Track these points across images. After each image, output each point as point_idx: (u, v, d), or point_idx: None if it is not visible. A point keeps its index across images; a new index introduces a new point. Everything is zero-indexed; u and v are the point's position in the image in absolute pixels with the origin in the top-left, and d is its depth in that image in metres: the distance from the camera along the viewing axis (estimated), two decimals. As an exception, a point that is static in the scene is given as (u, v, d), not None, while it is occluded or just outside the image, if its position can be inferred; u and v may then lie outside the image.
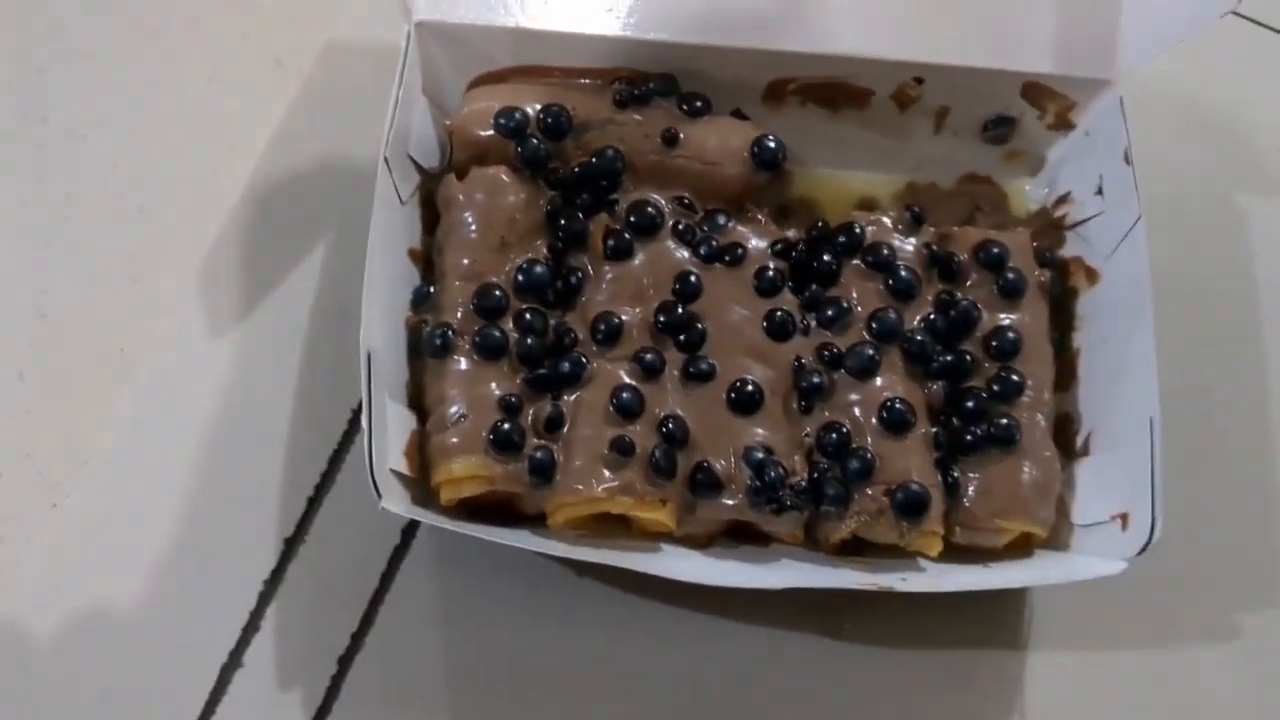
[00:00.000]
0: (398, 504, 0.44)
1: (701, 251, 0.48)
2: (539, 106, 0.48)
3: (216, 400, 0.50)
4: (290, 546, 0.48)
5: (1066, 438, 0.49)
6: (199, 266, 0.52)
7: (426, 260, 0.49)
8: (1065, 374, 0.50)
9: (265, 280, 0.52)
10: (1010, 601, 0.50)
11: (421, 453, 0.46)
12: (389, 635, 0.48)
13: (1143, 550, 0.44)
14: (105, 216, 0.53)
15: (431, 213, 0.49)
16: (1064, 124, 0.51)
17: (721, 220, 0.49)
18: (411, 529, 0.49)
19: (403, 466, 0.45)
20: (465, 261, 0.47)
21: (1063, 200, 0.52)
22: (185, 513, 0.48)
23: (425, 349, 0.46)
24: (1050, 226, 0.52)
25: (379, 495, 0.43)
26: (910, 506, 0.45)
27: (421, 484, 0.46)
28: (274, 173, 0.54)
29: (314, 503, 0.49)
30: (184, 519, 0.48)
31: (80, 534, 0.48)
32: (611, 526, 0.46)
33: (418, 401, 0.47)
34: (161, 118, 0.55)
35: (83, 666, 0.46)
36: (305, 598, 0.48)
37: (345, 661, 0.47)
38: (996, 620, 0.50)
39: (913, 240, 0.50)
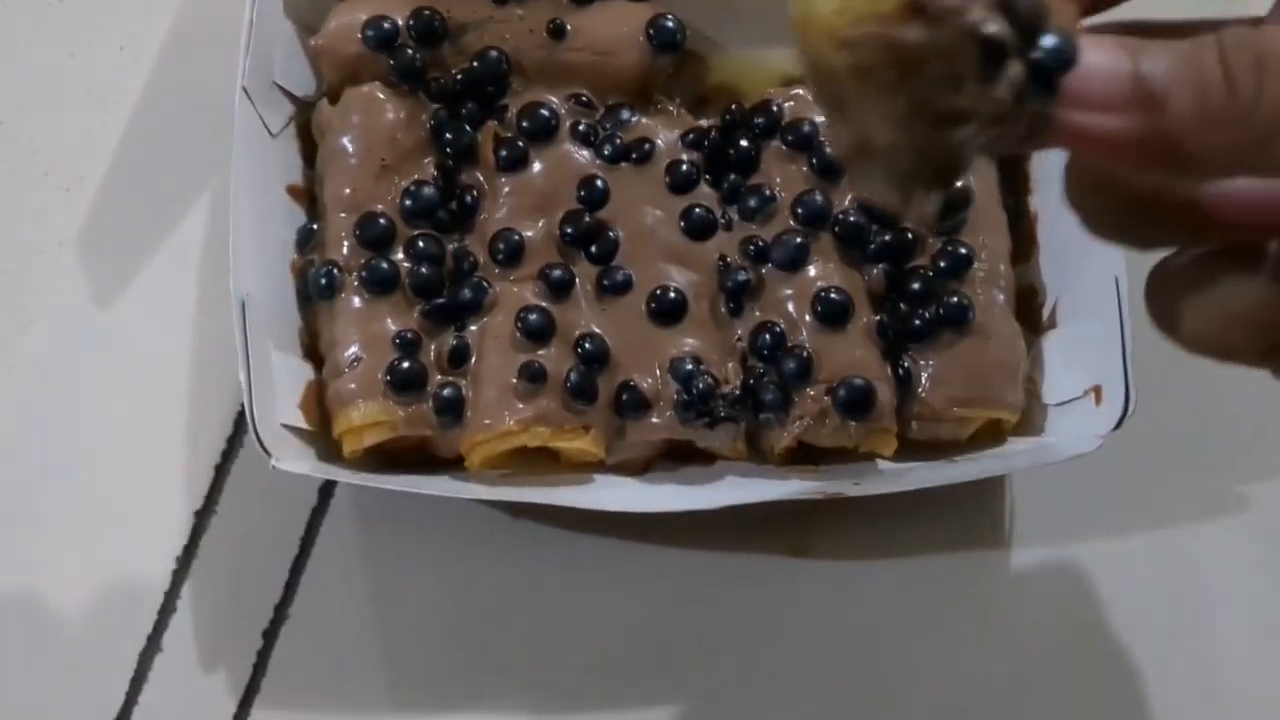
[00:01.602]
0: (295, 461, 0.40)
1: (605, 152, 0.44)
2: (408, 12, 0.44)
3: (106, 373, 0.46)
4: (200, 519, 0.45)
5: (1031, 311, 0.45)
6: (75, 234, 0.48)
7: (310, 197, 0.45)
8: (1025, 242, 0.45)
9: (149, 239, 0.48)
10: (987, 497, 0.46)
11: (321, 404, 0.43)
12: (314, 603, 0.44)
13: (1119, 424, 0.40)
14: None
15: (311, 145, 0.45)
16: (997, -33, 0.46)
17: (625, 115, 0.45)
18: (329, 488, 0.45)
19: (300, 421, 0.42)
20: (346, 191, 0.43)
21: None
22: (84, 495, 0.45)
23: (311, 290, 0.43)
24: None
25: (268, 454, 0.39)
26: (854, 403, 0.41)
27: (325, 438, 0.42)
28: (151, 121, 0.50)
29: (221, 470, 0.45)
30: (83, 501, 0.45)
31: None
32: (539, 462, 0.43)
33: (314, 351, 0.44)
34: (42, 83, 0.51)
35: (-8, 668, 0.44)
36: (222, 572, 0.45)
37: (270, 635, 0.44)
38: (975, 519, 0.46)
39: None
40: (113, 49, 0.52)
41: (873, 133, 0.27)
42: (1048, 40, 0.25)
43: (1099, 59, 0.25)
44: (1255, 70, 0.24)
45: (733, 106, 0.46)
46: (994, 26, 0.25)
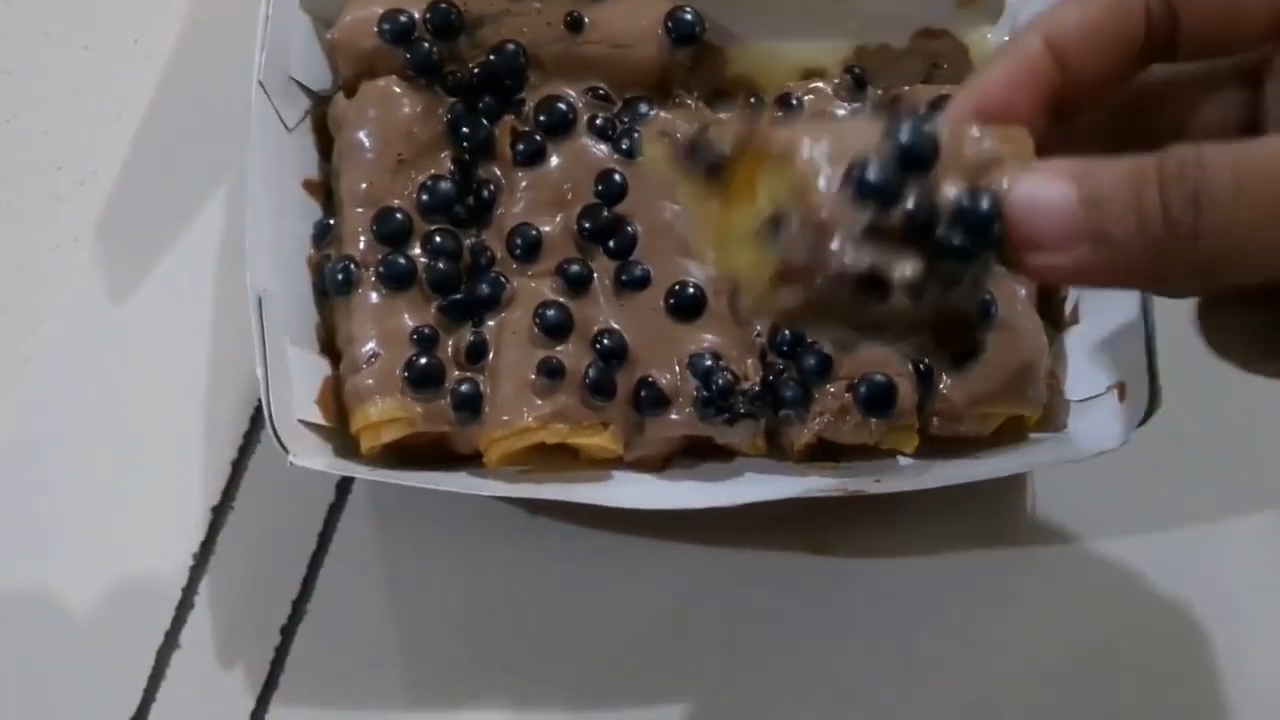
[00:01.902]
0: (312, 458, 0.40)
1: (624, 146, 0.44)
2: (424, 5, 0.43)
3: (122, 369, 0.46)
4: (218, 516, 0.45)
5: (1053, 306, 0.44)
6: (91, 228, 0.48)
7: (326, 191, 0.45)
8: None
9: (167, 235, 0.48)
10: (1009, 494, 0.45)
11: (339, 401, 0.42)
12: (332, 599, 0.44)
13: (1144, 420, 0.40)
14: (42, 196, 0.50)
15: (327, 139, 0.45)
16: (1022, -41, 0.46)
17: (644, 109, 0.44)
18: (347, 483, 0.45)
19: (317, 416, 0.42)
20: (362, 186, 0.43)
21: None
22: (101, 491, 0.45)
23: (328, 285, 0.42)
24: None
25: (285, 450, 0.39)
26: (875, 400, 0.40)
27: (342, 434, 0.42)
28: (167, 115, 0.50)
29: (238, 467, 0.45)
30: (100, 498, 0.45)
31: (-6, 525, 0.45)
32: (557, 458, 0.43)
33: (331, 346, 0.43)
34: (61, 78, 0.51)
35: (9, 663, 0.44)
36: (239, 568, 0.44)
37: (288, 631, 0.44)
38: (996, 516, 0.45)
39: (857, 105, 0.45)
40: (126, 43, 0.52)
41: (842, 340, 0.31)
42: (964, 217, 0.27)
43: (1049, 201, 0.27)
44: (1193, 206, 0.25)
45: (751, 99, 0.45)
46: (852, 260, 0.28)
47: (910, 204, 0.28)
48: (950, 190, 0.28)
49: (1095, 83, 0.31)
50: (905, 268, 0.28)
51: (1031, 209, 0.27)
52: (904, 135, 0.28)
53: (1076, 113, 0.31)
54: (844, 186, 0.28)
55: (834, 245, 0.28)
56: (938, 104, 0.43)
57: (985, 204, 0.28)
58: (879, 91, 0.45)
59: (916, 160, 0.28)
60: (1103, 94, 0.31)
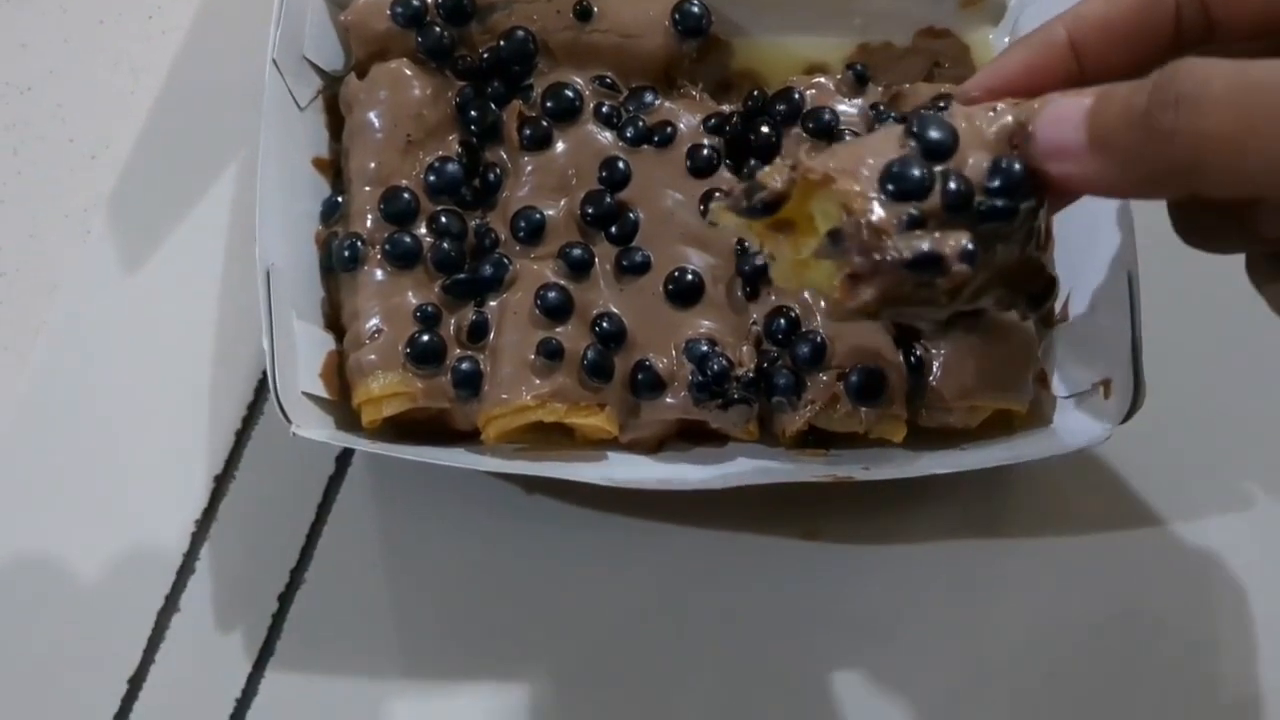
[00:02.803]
0: (314, 429, 0.41)
1: (628, 134, 0.45)
2: (438, -10, 0.44)
3: (130, 338, 0.47)
4: (220, 484, 0.46)
5: (1043, 304, 0.45)
6: (104, 200, 0.49)
7: (336, 170, 0.46)
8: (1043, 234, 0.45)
9: (177, 208, 0.49)
10: (995, 485, 0.46)
11: (341, 376, 0.43)
12: (330, 568, 0.45)
13: (1127, 417, 0.41)
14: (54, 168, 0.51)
15: (337, 119, 0.46)
16: (1024, -39, 0.47)
17: (649, 98, 0.45)
18: (347, 456, 0.46)
19: (320, 390, 0.43)
20: (371, 165, 0.44)
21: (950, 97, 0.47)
22: (107, 456, 0.46)
23: (335, 262, 0.43)
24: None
25: (289, 421, 0.40)
26: (866, 389, 0.41)
27: (344, 407, 0.43)
28: (180, 91, 0.50)
29: (241, 437, 0.46)
30: (107, 462, 0.46)
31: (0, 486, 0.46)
32: (554, 437, 0.44)
33: (336, 321, 0.44)
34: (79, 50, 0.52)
35: (14, 622, 0.45)
36: (240, 536, 0.45)
37: (285, 599, 0.45)
38: (983, 507, 0.46)
39: (858, 102, 0.45)
40: (141, 18, 0.53)
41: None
42: (994, 182, 0.33)
43: (1064, 115, 0.31)
44: (1173, 107, 0.28)
45: (754, 92, 0.46)
46: (904, 249, 0.33)
47: (942, 188, 0.33)
48: (979, 164, 0.33)
49: (1112, 76, 0.32)
50: (954, 241, 0.33)
51: (1053, 122, 0.31)
52: (923, 134, 0.34)
53: None
54: (881, 192, 0.33)
55: (887, 242, 0.33)
56: (941, 99, 0.44)
57: (1015, 165, 0.33)
58: (880, 88, 0.46)
59: (939, 152, 0.33)
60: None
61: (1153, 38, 0.33)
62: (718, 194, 0.40)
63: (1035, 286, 0.38)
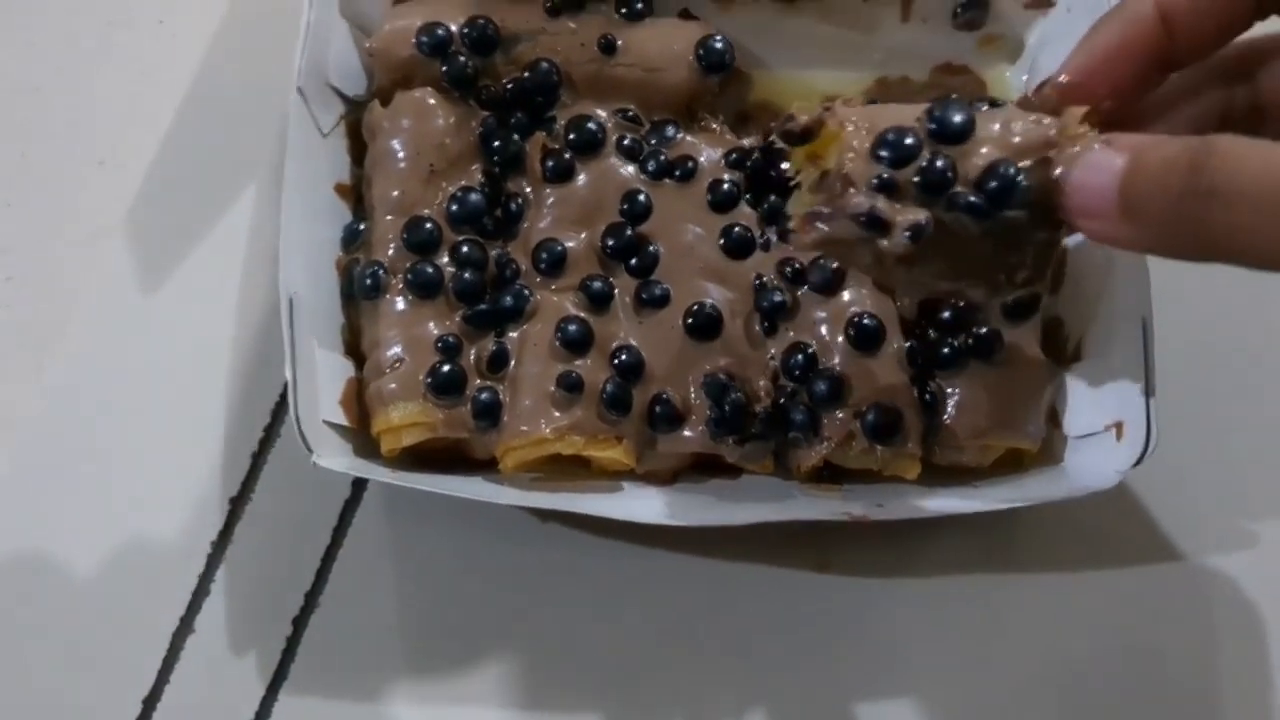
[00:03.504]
0: (334, 458, 0.41)
1: (649, 167, 0.45)
2: (463, 20, 0.44)
3: (151, 358, 0.47)
4: (236, 506, 0.46)
5: (1057, 344, 0.45)
6: (124, 217, 0.49)
7: (357, 196, 0.46)
8: (1054, 275, 0.46)
9: (197, 229, 0.49)
10: (1002, 521, 0.47)
11: (360, 403, 0.44)
12: (344, 593, 0.45)
13: (1139, 461, 0.41)
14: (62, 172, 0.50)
15: (359, 144, 0.46)
16: (1042, 1, 0.47)
17: (670, 132, 0.46)
18: (363, 481, 0.46)
19: (340, 417, 0.43)
20: (394, 194, 0.44)
21: (1045, 85, 0.47)
22: (124, 477, 0.46)
23: (356, 290, 0.44)
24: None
25: (310, 450, 0.40)
26: (882, 428, 0.42)
27: (363, 435, 0.43)
28: (202, 114, 0.51)
29: (258, 459, 0.46)
30: (124, 483, 0.46)
31: (16, 505, 0.46)
32: (569, 468, 0.44)
33: (355, 347, 0.44)
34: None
35: (29, 641, 0.45)
36: (255, 558, 0.46)
37: (300, 622, 0.45)
38: (992, 543, 0.47)
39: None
40: (151, 22, 0.52)
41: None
42: (988, 182, 0.35)
43: (1095, 180, 0.32)
44: (1203, 199, 0.29)
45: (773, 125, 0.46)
46: (857, 205, 0.36)
47: (922, 166, 0.35)
48: (983, 161, 0.35)
49: (1201, 43, 0.34)
50: (910, 215, 0.35)
51: (1084, 181, 0.33)
52: (940, 114, 0.36)
53: (1175, 69, 0.35)
54: (871, 150, 0.36)
55: (850, 192, 0.36)
56: (993, 101, 0.44)
57: (1012, 174, 0.35)
58: None
59: (949, 134, 0.35)
60: (1207, 54, 0.35)
61: (1239, 3, 0.34)
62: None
63: (1017, 297, 0.41)
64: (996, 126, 0.36)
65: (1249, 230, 0.29)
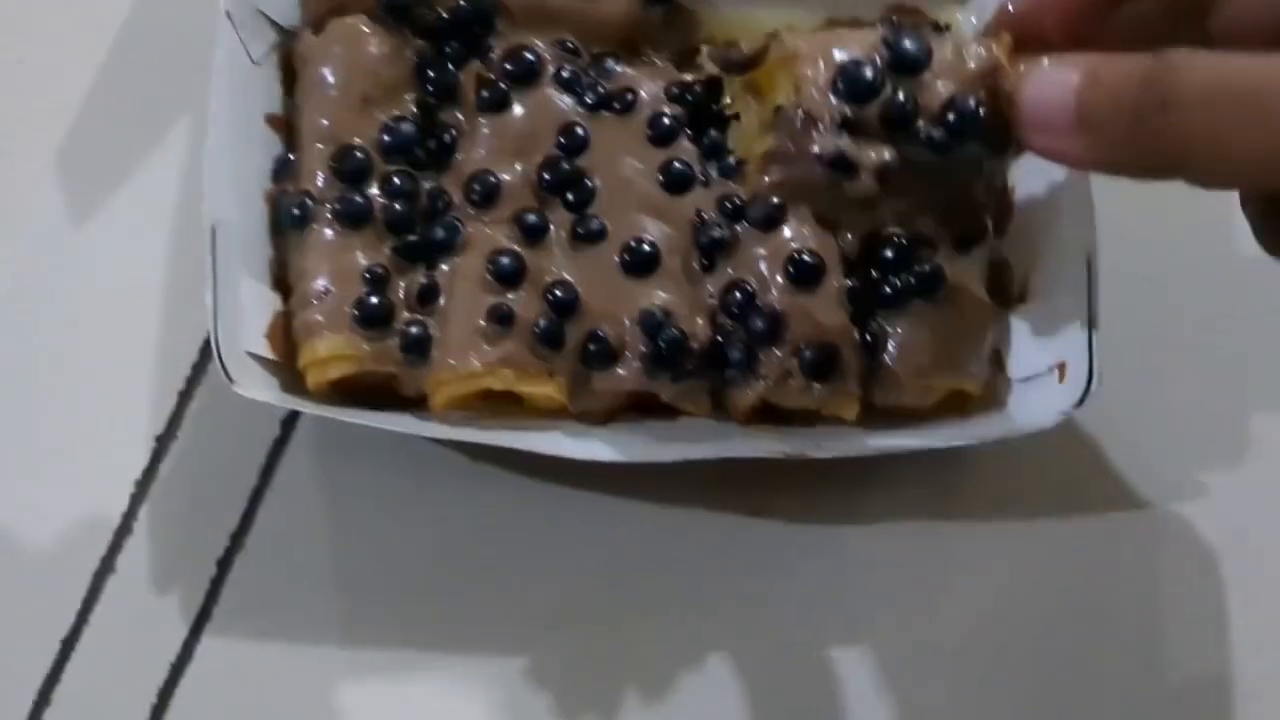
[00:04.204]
0: (258, 390, 0.40)
1: (588, 99, 0.44)
2: (397, -53, 0.43)
3: (74, 291, 0.46)
4: (161, 444, 0.45)
5: (1002, 285, 0.44)
6: (53, 145, 0.48)
7: (289, 128, 0.45)
8: (1000, 215, 0.45)
9: (124, 157, 0.48)
10: (947, 467, 0.46)
11: (287, 336, 0.42)
12: (271, 534, 0.44)
13: (1080, 402, 0.40)
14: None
15: (292, 75, 0.45)
16: (994, -59, 0.46)
17: (610, 65, 0.44)
18: (292, 420, 0.45)
19: (265, 350, 0.42)
20: (324, 123, 0.43)
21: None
22: (46, 412, 0.45)
23: (283, 220, 0.42)
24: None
25: (230, 380, 0.39)
26: (819, 366, 0.41)
27: (289, 371, 0.42)
28: (130, 43, 0.49)
29: (185, 396, 0.45)
30: (45, 419, 0.45)
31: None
32: (503, 406, 0.43)
33: (284, 282, 0.43)
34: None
35: (-57, 580, 0.44)
36: (180, 498, 0.45)
37: (224, 564, 0.44)
38: (934, 488, 0.46)
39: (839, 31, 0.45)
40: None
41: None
42: (947, 115, 0.34)
43: (1049, 94, 0.32)
44: (1161, 108, 0.30)
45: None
46: (824, 146, 0.35)
47: (884, 102, 0.34)
48: (941, 93, 0.34)
49: None
50: (874, 154, 0.35)
51: (1037, 94, 0.33)
52: (896, 43, 0.35)
53: (1124, 1, 0.35)
54: (830, 84, 0.35)
55: (814, 133, 0.35)
56: (939, 28, 0.44)
57: (971, 105, 0.34)
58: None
59: (906, 65, 0.35)
60: None
61: None
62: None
63: (966, 228, 0.40)
64: (949, 53, 0.36)
65: (1205, 139, 0.29)
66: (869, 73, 0.35)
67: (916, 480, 0.46)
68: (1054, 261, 0.43)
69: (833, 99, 0.35)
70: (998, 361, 0.44)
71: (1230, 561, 0.45)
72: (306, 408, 0.41)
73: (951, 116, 0.35)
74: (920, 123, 0.35)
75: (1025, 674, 0.44)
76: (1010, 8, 0.36)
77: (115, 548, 0.44)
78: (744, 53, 0.37)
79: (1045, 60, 0.33)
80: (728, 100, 0.38)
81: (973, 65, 0.35)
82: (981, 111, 0.35)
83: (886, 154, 0.35)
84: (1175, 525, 0.46)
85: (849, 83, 0.35)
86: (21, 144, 0.48)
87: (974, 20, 0.48)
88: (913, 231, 0.39)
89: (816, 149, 0.35)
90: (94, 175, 0.48)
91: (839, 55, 0.36)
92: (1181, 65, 0.30)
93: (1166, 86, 0.29)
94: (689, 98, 0.44)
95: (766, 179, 0.36)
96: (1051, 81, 0.32)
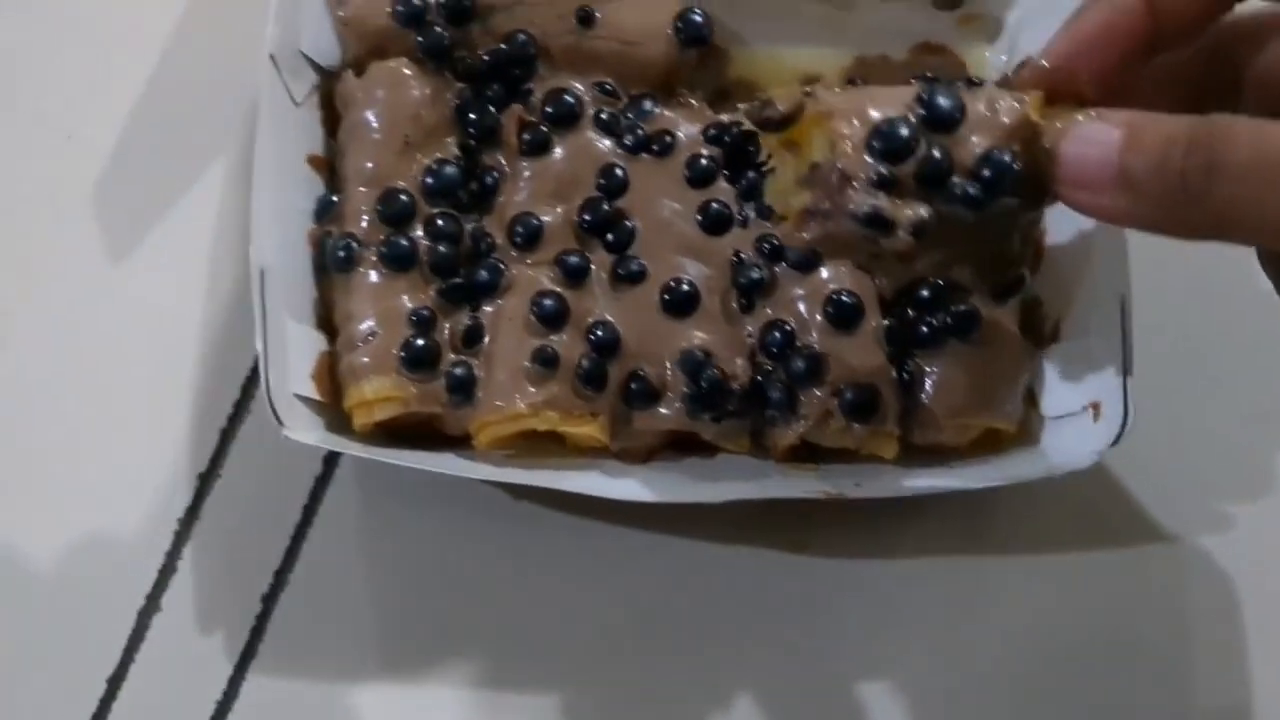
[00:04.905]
0: (306, 432, 0.41)
1: (627, 141, 0.44)
2: (439, -11, 0.44)
3: (119, 331, 0.47)
4: (205, 482, 0.45)
5: (1035, 323, 0.45)
6: (95, 188, 0.48)
7: (330, 168, 0.45)
8: (1032, 255, 0.46)
9: (167, 198, 0.48)
10: (981, 503, 0.46)
11: (333, 377, 0.43)
12: (314, 571, 0.45)
13: (1115, 442, 0.41)
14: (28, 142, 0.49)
15: (334, 115, 0.45)
16: (1022, -19, 0.47)
17: (648, 106, 0.45)
18: (334, 456, 0.46)
19: (311, 391, 0.42)
20: (368, 165, 0.43)
21: (1025, 65, 0.47)
22: (91, 451, 0.45)
23: (329, 262, 0.43)
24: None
25: (280, 423, 0.40)
26: (859, 406, 0.42)
27: (334, 410, 0.43)
28: (171, 83, 0.50)
29: (227, 434, 0.46)
30: (90, 458, 0.45)
31: (-20, 479, 0.45)
32: (543, 444, 0.43)
33: (328, 321, 0.44)
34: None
35: (-9, 619, 0.44)
36: (224, 535, 0.45)
37: (269, 600, 0.45)
38: (970, 524, 0.47)
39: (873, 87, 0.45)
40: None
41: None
42: (982, 170, 0.35)
43: (1091, 152, 0.33)
44: (1206, 174, 0.30)
45: (754, 102, 0.46)
46: (859, 205, 0.36)
47: (923, 157, 0.35)
48: (976, 148, 0.35)
49: (1185, 27, 0.35)
50: (910, 211, 0.35)
51: (1079, 152, 0.33)
52: (930, 100, 0.35)
53: (1159, 53, 0.35)
54: (865, 143, 0.35)
55: (850, 191, 0.36)
56: (970, 80, 0.44)
57: (1007, 160, 0.35)
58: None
59: (940, 122, 0.35)
60: (1190, 39, 0.36)
61: None
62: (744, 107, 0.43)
63: (1003, 278, 0.41)
64: (982, 108, 0.36)
65: (1248, 207, 0.29)
66: (904, 131, 0.35)
67: (949, 515, 0.46)
68: (1087, 302, 0.43)
69: (868, 158, 0.35)
70: (1031, 399, 0.45)
71: (1254, 594, 0.46)
72: (354, 450, 0.41)
73: (987, 172, 0.35)
74: (955, 178, 0.36)
75: (1055, 705, 0.45)
76: (1044, 61, 0.36)
77: (160, 585, 0.44)
78: (779, 111, 0.38)
79: (1082, 116, 0.34)
80: (765, 155, 0.39)
81: (1006, 120, 0.36)
82: (1016, 166, 0.35)
83: (922, 210, 0.35)
84: (1200, 559, 0.46)
85: (884, 141, 0.35)
86: (63, 183, 0.49)
87: (1003, 58, 0.48)
88: (950, 282, 0.39)
89: (852, 206, 0.36)
90: (134, 214, 0.48)
91: (874, 114, 0.36)
92: (1227, 132, 0.30)
93: (1213, 153, 0.30)
94: (726, 139, 0.45)
95: (804, 234, 0.36)
96: (1093, 140, 0.33)
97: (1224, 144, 0.30)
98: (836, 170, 0.36)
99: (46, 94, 0.50)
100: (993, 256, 0.38)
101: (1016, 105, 0.36)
